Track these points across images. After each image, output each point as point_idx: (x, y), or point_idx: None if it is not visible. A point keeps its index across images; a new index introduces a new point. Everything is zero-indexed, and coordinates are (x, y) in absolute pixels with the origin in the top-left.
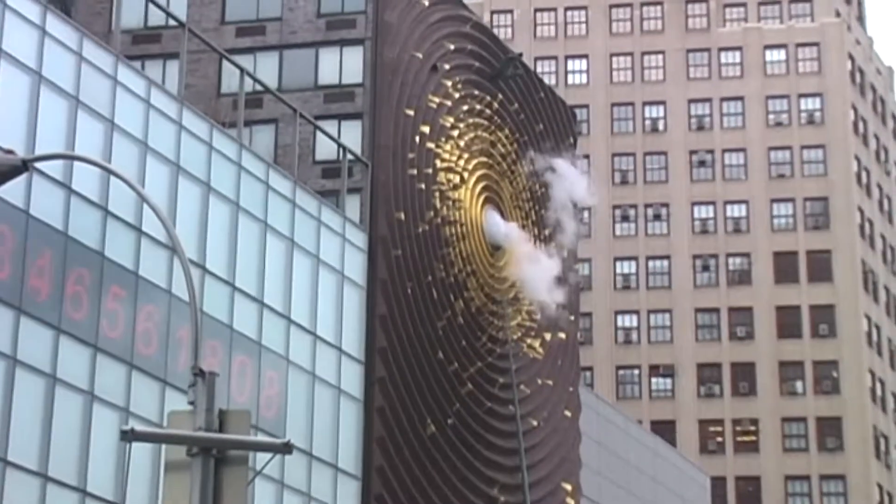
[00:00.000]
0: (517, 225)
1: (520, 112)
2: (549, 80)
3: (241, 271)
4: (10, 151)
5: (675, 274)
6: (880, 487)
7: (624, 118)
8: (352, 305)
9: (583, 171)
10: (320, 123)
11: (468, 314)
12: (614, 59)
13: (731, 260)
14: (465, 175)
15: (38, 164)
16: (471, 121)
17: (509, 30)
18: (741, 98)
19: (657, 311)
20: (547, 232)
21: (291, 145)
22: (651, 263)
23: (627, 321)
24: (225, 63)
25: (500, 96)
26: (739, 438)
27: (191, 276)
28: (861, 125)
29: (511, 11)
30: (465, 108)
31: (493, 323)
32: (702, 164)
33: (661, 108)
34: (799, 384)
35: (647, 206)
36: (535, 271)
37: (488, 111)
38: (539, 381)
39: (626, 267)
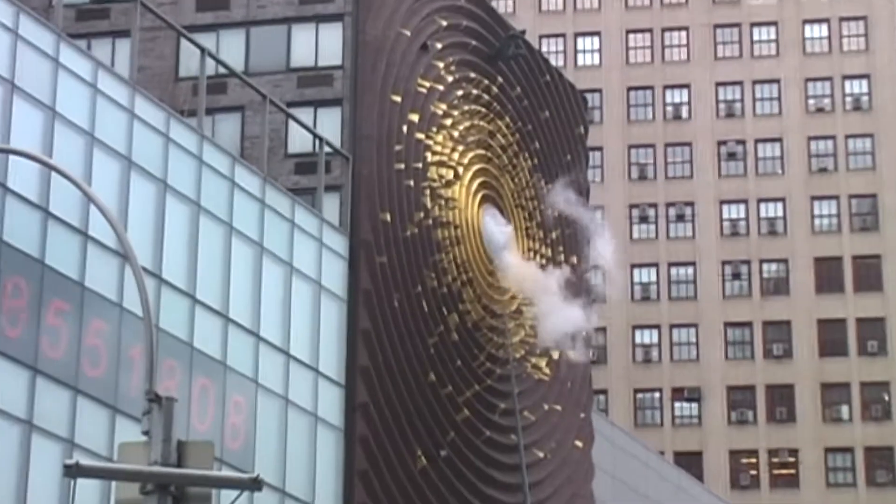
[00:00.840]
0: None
1: (522, 98)
2: (557, 61)
3: (202, 281)
4: None
5: (701, 283)
6: None
7: (642, 104)
8: (330, 320)
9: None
10: (293, 111)
11: (464, 330)
12: (631, 36)
13: (765, 266)
14: (460, 170)
15: None
16: (466, 108)
17: (510, 3)
18: (777, 81)
19: (681, 326)
20: (554, 235)
21: (260, 136)
22: (674, 271)
23: (647, 337)
24: (183, 42)
25: (500, 80)
26: (776, 472)
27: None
28: None
29: None
30: (460, 93)
31: (493, 339)
32: (731, 156)
33: (685, 92)
34: (844, 409)
35: (668, 205)
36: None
37: (486, 97)
38: (546, 407)
39: (645, 275)
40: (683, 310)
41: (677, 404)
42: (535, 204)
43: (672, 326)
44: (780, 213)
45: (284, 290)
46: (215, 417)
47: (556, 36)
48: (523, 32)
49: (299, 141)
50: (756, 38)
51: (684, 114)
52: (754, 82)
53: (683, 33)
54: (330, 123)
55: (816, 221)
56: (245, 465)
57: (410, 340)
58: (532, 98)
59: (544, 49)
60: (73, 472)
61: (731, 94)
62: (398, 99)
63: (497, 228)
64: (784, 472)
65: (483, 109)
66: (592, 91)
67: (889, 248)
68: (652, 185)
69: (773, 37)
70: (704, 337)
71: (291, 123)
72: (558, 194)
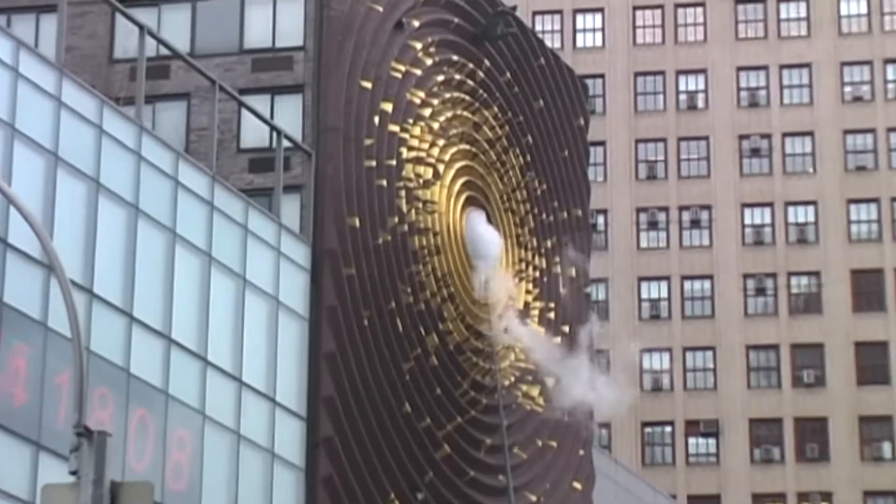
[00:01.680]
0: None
1: (513, 84)
2: (553, 42)
3: (140, 297)
4: None
5: (719, 299)
6: None
7: (651, 92)
8: (289, 342)
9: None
10: (247, 99)
11: (444, 353)
12: (638, 13)
13: (794, 280)
14: (441, 168)
15: None
16: (448, 96)
17: None
18: (807, 65)
19: (696, 349)
20: (549, 243)
21: (209, 129)
22: (687, 285)
23: (656, 362)
24: (119, 19)
25: (487, 63)
26: None
27: (73, 303)
28: None
29: None
30: (441, 79)
31: (478, 364)
32: (755, 152)
33: (701, 77)
34: (886, 446)
35: (682, 208)
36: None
37: (471, 83)
38: (539, 443)
39: (655, 290)
40: (699, 330)
41: (691, 440)
42: (526, 207)
43: (686, 350)
44: (811, 219)
45: (236, 306)
46: (155, 454)
47: (553, 13)
48: (514, 9)
49: (254, 134)
50: (784, 15)
51: (700, 103)
52: (781, 67)
53: (699, 10)
54: (289, 113)
55: (853, 228)
56: None
57: (382, 365)
58: (524, 85)
59: (538, 28)
60: None
61: (754, 81)
62: (368, 85)
63: (487, 232)
64: None
65: (467, 98)
66: (594, 77)
67: None
68: (663, 185)
69: (803, 14)
70: (723, 362)
71: (245, 113)
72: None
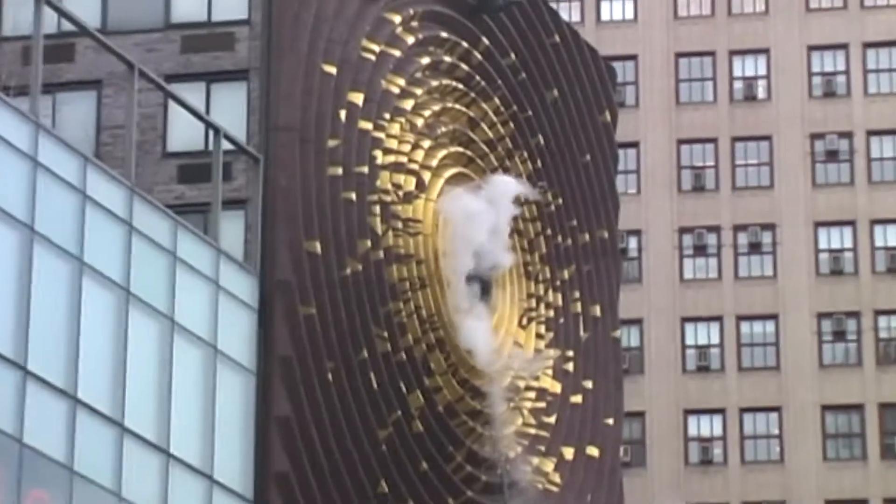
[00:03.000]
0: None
1: (519, 69)
2: (571, 15)
3: (37, 344)
4: None
5: (786, 345)
6: None
7: (697, 78)
8: (231, 402)
9: None
10: (175, 88)
11: (431, 416)
12: None
13: (882, 321)
14: (426, 177)
15: None
16: (435, 84)
17: None
18: None
19: (756, 410)
20: (566, 274)
21: (126, 127)
22: (745, 327)
23: (704, 426)
24: None
25: (486, 42)
26: None
27: None
28: None
29: None
30: (426, 61)
31: (475, 431)
32: (831, 155)
33: (762, 60)
34: None
35: (737, 228)
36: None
37: (465, 68)
38: None
39: (703, 333)
40: (760, 386)
41: None
42: (537, 228)
43: (743, 411)
44: None
45: (161, 356)
46: None
47: None
48: None
49: (185, 133)
50: None
51: (760, 93)
52: (865, 45)
53: None
54: (231, 107)
55: None
56: None
57: (352, 433)
58: (534, 70)
59: None
60: None
61: (830, 64)
62: (333, 70)
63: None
64: None
65: (460, 87)
66: (624, 59)
67: None
68: (713, 198)
69: None
70: (792, 427)
71: (173, 107)
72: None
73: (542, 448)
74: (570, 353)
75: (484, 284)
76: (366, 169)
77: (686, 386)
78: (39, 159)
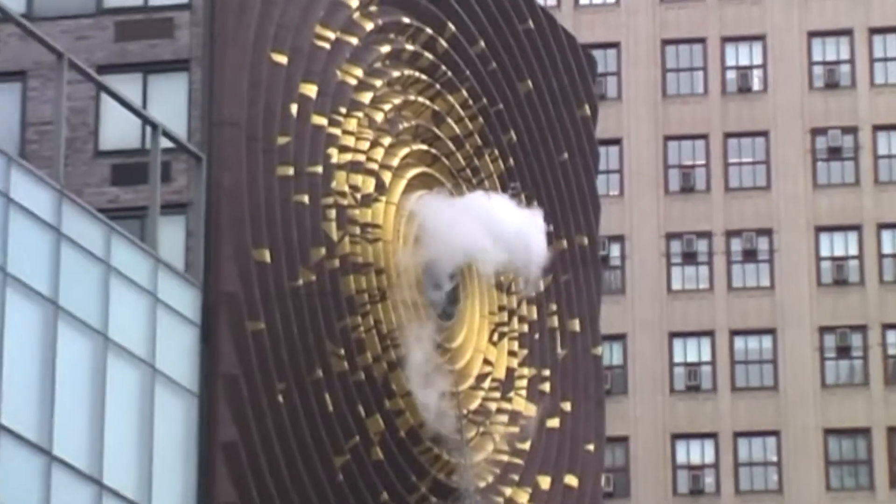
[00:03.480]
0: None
1: (489, 59)
2: None
3: None
4: None
5: (785, 363)
6: None
7: (686, 67)
8: (170, 427)
9: None
10: (109, 80)
11: (393, 442)
12: None
13: (891, 336)
14: (387, 177)
15: None
16: (396, 75)
17: None
18: None
19: (752, 435)
20: (542, 284)
21: (54, 122)
22: (739, 343)
23: (695, 452)
24: None
25: (452, 28)
26: None
27: None
28: None
29: None
30: (386, 50)
31: (441, 458)
32: (834, 153)
33: (758, 48)
34: None
35: (730, 234)
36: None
37: (429, 57)
38: None
39: (692, 350)
40: (756, 408)
41: None
42: None
43: (737, 435)
44: None
45: (93, 376)
46: None
47: None
48: None
49: (119, 130)
50: None
51: (756, 84)
52: (871, 31)
53: None
54: (170, 101)
55: None
56: None
57: (305, 461)
58: (505, 59)
59: None
60: None
61: (832, 51)
62: (283, 60)
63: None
64: None
65: (424, 77)
66: (605, 46)
67: None
68: (703, 200)
69: None
70: (791, 453)
71: (106, 101)
72: None
73: (516, 477)
74: (547, 373)
75: (452, 292)
76: (320, 169)
77: (674, 408)
78: None
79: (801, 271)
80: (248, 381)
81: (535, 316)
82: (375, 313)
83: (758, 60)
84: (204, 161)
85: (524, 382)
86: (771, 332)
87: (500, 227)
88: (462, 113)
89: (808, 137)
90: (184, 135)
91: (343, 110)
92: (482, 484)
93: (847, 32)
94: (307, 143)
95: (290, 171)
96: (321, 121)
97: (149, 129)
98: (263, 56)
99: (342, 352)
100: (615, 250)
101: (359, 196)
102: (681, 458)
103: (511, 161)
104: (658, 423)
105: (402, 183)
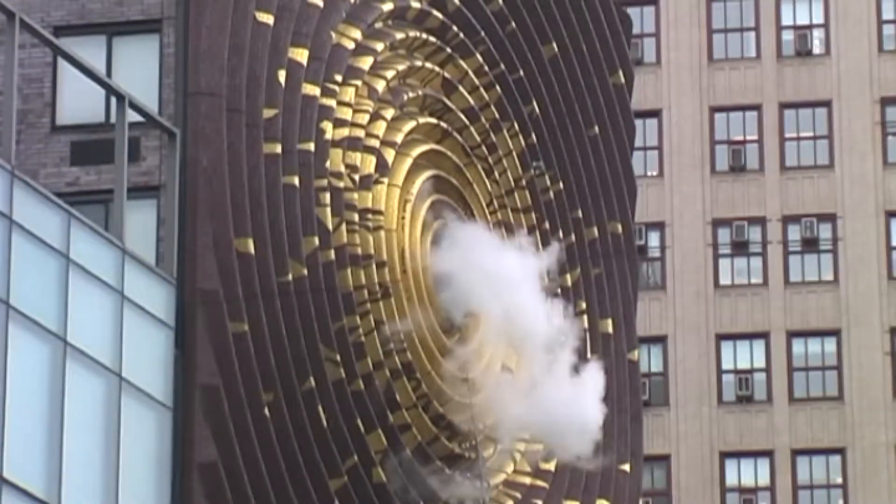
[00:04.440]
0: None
1: (508, 18)
2: None
3: None
4: None
5: (852, 369)
6: None
7: (736, 28)
8: (141, 445)
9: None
10: (68, 44)
11: (396, 461)
12: None
13: None
14: (389, 156)
15: None
16: (400, 37)
17: None
18: None
19: (814, 452)
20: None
21: (3, 93)
22: (798, 347)
23: (747, 472)
24: None
25: None
26: None
27: None
28: None
29: None
30: (388, 7)
31: (455, 481)
32: None
33: (819, 4)
34: None
35: (787, 220)
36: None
37: (438, 15)
38: None
39: (744, 354)
40: (818, 421)
41: None
42: (531, 219)
43: (796, 453)
44: None
45: (51, 387)
46: None
47: None
48: None
49: (80, 102)
50: None
51: (817, 47)
52: None
53: None
54: (139, 68)
55: None
56: None
57: (295, 485)
58: (526, 19)
59: None
60: None
61: None
62: (269, 20)
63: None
64: None
65: (432, 40)
66: (642, 3)
67: None
68: (755, 181)
69: None
70: (859, 472)
71: (65, 68)
72: None
73: (540, 502)
74: None
75: None
76: (312, 146)
77: (723, 422)
78: None
79: (870, 263)
80: (230, 392)
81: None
82: (376, 313)
83: (819, 19)
84: (178, 137)
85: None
86: (835, 333)
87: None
88: (476, 81)
89: (878, 108)
90: (154, 107)
91: (339, 78)
92: None
93: None
94: (297, 117)
95: (278, 148)
96: (313, 90)
97: (114, 100)
98: (247, 15)
99: (338, 357)
100: (654, 239)
101: (357, 177)
102: (731, 479)
103: (533, 137)
104: (704, 439)
105: (408, 162)
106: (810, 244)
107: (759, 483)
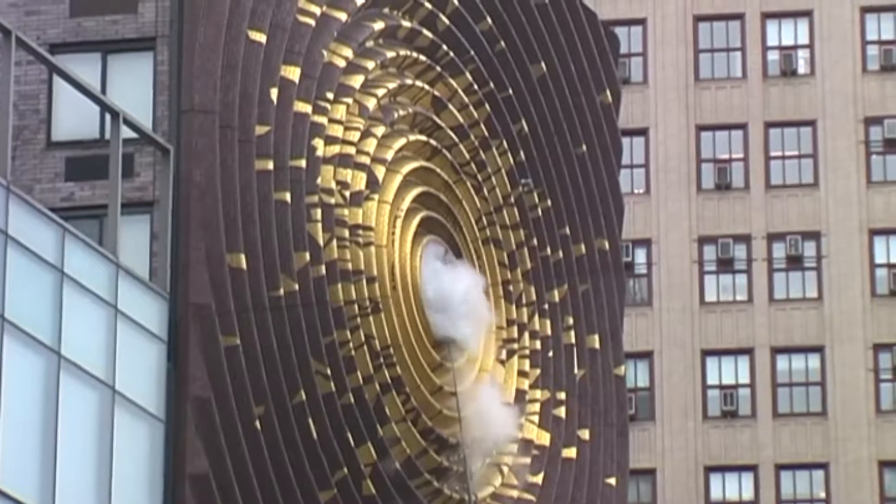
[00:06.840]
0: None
1: (497, 38)
2: None
3: None
4: None
5: (835, 385)
6: None
7: (722, 48)
8: (134, 457)
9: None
10: (63, 61)
11: (386, 476)
12: None
13: None
14: (380, 173)
15: None
16: (391, 55)
17: None
18: None
19: (797, 467)
20: (556, 295)
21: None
22: (783, 363)
23: (731, 487)
24: None
25: (455, 2)
26: None
27: None
28: None
29: None
30: (379, 26)
31: (443, 493)
32: (891, 145)
33: (804, 25)
34: None
35: (772, 237)
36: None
37: (428, 35)
38: None
39: (728, 372)
40: (801, 437)
41: None
42: (519, 237)
43: (780, 468)
44: None
45: (45, 400)
46: None
47: None
48: None
49: (74, 118)
50: None
51: (801, 67)
52: None
53: None
54: (133, 85)
55: None
56: None
57: (286, 496)
58: (515, 38)
59: None
60: None
61: (889, 30)
62: (262, 38)
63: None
64: None
65: (422, 59)
66: (630, 23)
67: None
68: (741, 199)
69: None
70: (842, 487)
71: (60, 85)
72: None
73: None
74: (562, 396)
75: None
76: (303, 163)
77: (708, 436)
78: None
79: (854, 280)
80: (222, 405)
81: (548, 331)
82: (367, 327)
83: (804, 40)
84: (172, 153)
85: (536, 407)
86: (818, 349)
87: None
88: (466, 99)
89: (862, 127)
90: (149, 124)
91: (330, 96)
92: None
93: None
94: (289, 134)
95: (270, 164)
96: (305, 108)
97: (108, 116)
98: (240, 34)
99: (328, 371)
100: (640, 256)
101: (348, 194)
102: (715, 493)
103: (521, 154)
104: (689, 453)
105: (398, 179)
106: (795, 261)
107: (743, 497)
